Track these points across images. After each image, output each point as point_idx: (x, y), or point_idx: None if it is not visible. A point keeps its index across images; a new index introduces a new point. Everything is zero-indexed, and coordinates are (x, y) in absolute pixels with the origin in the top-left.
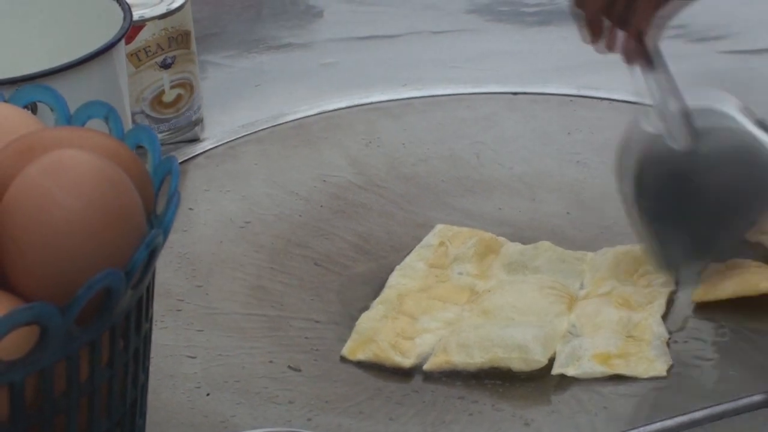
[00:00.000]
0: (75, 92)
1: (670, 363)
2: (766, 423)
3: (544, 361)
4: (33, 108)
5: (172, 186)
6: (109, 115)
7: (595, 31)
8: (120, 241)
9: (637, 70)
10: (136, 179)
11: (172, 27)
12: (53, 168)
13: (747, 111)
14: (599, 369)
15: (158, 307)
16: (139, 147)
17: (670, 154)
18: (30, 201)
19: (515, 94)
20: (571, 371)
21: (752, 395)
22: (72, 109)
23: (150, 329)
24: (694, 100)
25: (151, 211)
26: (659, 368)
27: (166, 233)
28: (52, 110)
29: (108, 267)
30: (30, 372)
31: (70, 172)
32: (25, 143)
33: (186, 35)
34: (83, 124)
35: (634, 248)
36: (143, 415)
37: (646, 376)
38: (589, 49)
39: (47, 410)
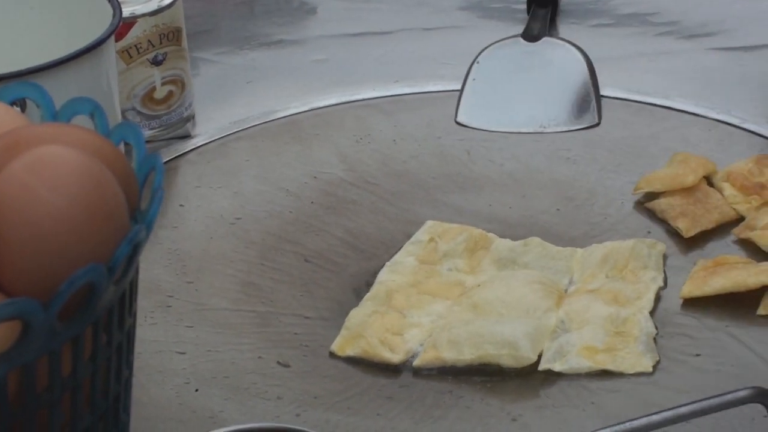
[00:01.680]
0: (64, 89)
1: (657, 359)
2: (752, 418)
3: (534, 357)
4: (22, 105)
5: (156, 182)
6: (95, 111)
7: None
8: (103, 236)
9: None
10: (120, 175)
11: (163, 23)
12: (36, 164)
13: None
14: (586, 364)
15: (148, 302)
16: (127, 144)
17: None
18: (13, 197)
19: None
20: (557, 366)
21: (738, 390)
22: (58, 108)
23: (134, 324)
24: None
25: (135, 208)
26: (645, 364)
27: (149, 229)
28: (38, 107)
29: (91, 262)
30: (12, 367)
31: (53, 168)
32: (9, 140)
33: (177, 32)
34: (69, 121)
35: (623, 244)
36: (127, 410)
37: (632, 372)
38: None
39: (30, 405)
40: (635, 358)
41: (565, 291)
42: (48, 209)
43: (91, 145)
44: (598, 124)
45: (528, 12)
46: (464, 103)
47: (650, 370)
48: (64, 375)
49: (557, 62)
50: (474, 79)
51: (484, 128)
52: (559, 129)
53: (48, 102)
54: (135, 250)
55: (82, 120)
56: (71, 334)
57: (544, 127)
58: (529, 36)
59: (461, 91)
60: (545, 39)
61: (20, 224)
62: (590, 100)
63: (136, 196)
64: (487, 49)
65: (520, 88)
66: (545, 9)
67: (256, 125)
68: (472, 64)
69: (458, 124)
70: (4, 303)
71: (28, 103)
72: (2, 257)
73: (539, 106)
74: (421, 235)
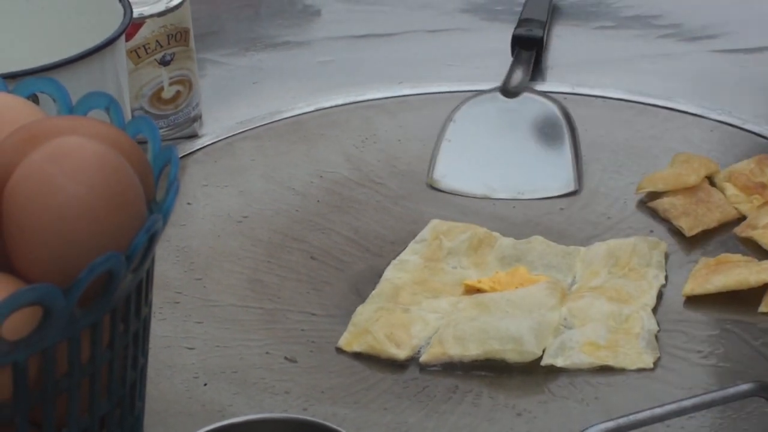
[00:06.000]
0: (75, 87)
1: (658, 355)
2: (754, 411)
3: (539, 352)
4: (35, 100)
5: (172, 174)
6: (111, 105)
7: None
8: (121, 225)
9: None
10: (137, 167)
11: (171, 24)
12: (56, 154)
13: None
14: (587, 360)
15: (157, 299)
16: (141, 142)
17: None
18: (33, 186)
19: None
20: (560, 362)
21: (740, 384)
22: (73, 103)
23: (149, 313)
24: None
25: (152, 199)
26: (647, 360)
27: (165, 218)
28: (54, 101)
29: (109, 251)
30: (33, 352)
31: (72, 158)
32: (28, 131)
33: (185, 32)
34: (85, 115)
35: (625, 242)
36: (142, 397)
37: (633, 368)
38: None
39: (49, 390)
40: (636, 355)
41: (569, 289)
42: (67, 198)
43: (109, 136)
44: (577, 192)
45: (512, 53)
46: (439, 164)
47: (651, 366)
48: (83, 361)
49: (537, 123)
50: (449, 141)
51: (458, 192)
52: (536, 195)
53: (64, 96)
54: (152, 239)
55: (98, 114)
56: (90, 321)
57: (521, 193)
58: (508, 90)
59: (435, 150)
60: (525, 95)
61: (40, 212)
62: (569, 165)
63: (152, 187)
64: (464, 106)
65: (496, 151)
66: (530, 52)
67: (262, 125)
68: (447, 122)
69: (431, 187)
70: (25, 289)
71: (43, 97)
72: (23, 245)
73: (516, 170)
74: (426, 233)
